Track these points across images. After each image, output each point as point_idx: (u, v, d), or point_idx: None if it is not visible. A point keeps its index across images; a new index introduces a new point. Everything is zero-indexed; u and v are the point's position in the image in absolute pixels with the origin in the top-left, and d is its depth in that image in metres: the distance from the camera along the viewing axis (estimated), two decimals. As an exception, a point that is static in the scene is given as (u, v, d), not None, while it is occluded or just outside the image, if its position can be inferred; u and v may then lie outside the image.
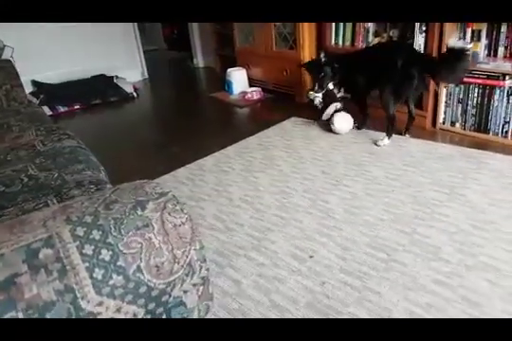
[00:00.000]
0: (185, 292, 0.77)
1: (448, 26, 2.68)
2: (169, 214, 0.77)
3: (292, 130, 3.15)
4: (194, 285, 0.79)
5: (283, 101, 3.83)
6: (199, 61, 5.64)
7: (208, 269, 0.82)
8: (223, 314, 1.50)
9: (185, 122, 3.61)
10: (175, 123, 3.63)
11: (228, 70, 4.18)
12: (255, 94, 3.94)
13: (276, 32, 3.84)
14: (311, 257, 1.77)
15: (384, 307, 1.50)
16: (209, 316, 1.45)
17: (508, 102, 2.57)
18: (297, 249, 1.82)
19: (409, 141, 2.77)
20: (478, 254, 1.70)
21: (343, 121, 2.90)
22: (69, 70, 4.47)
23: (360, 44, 3.24)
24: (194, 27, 5.40)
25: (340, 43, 3.36)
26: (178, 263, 0.76)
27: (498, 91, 2.59)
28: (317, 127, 3.14)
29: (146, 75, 5.26)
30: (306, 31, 3.56)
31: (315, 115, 3.15)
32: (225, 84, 4.22)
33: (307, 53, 3.58)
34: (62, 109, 4.05)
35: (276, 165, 2.60)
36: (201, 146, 2.96)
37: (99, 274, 0.67)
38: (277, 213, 2.09)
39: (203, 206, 2.21)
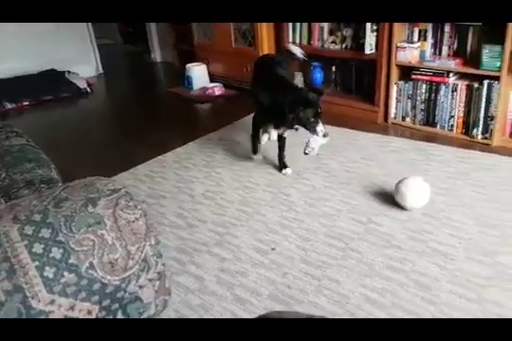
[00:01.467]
0: (141, 287, 0.78)
1: (397, 26, 2.77)
2: (121, 210, 0.77)
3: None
4: (150, 280, 0.79)
5: (245, 97, 3.82)
6: (156, 55, 5.53)
7: (164, 264, 0.83)
8: (186, 312, 1.51)
9: (143, 118, 3.54)
10: (133, 119, 3.56)
11: (188, 65, 4.13)
12: (216, 90, 3.92)
13: (235, 29, 3.83)
14: (273, 249, 1.80)
15: (342, 294, 1.55)
16: (170, 313, 1.46)
17: (453, 98, 2.70)
18: (259, 242, 1.85)
19: (362, 135, 2.85)
20: (428, 240, 1.80)
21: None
22: (18, 65, 4.25)
23: (316, 43, 3.29)
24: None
25: (298, 41, 3.40)
26: (133, 259, 0.76)
27: (443, 87, 2.71)
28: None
29: (101, 70, 5.10)
30: (264, 29, 3.57)
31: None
32: (184, 79, 4.17)
33: (266, 50, 3.60)
34: (9, 106, 3.85)
35: (238, 160, 2.61)
36: (161, 142, 2.93)
37: (49, 272, 0.66)
38: (240, 208, 2.11)
39: (163, 204, 2.19)
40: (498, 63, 2.45)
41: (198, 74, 4.09)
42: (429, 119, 2.86)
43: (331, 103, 2.90)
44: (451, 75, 2.68)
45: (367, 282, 1.60)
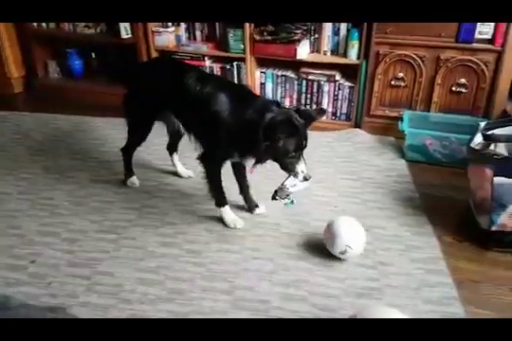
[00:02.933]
0: None
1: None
2: None
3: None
4: None
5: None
6: None
7: None
8: None
9: None
10: None
11: None
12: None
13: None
14: (32, 262, 1.58)
15: (116, 284, 1.48)
16: None
17: None
18: (14, 259, 1.59)
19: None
20: (203, 210, 1.86)
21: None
22: None
23: (67, 26, 2.97)
24: None
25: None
26: None
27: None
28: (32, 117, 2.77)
29: None
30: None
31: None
32: None
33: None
34: None
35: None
36: None
37: None
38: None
39: None
40: (241, 46, 2.69)
41: None
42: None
43: (93, 93, 2.72)
44: (207, 58, 2.82)
45: (141, 265, 1.56)
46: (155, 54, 2.87)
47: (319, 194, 1.96)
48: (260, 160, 1.56)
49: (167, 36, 2.82)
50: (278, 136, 1.45)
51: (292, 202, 1.60)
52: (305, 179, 1.52)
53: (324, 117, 2.66)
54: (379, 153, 2.33)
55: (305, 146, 1.52)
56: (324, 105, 2.64)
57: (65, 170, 2.19)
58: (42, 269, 1.55)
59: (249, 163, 1.62)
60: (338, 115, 2.65)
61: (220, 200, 1.75)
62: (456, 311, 1.38)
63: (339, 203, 1.92)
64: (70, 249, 1.64)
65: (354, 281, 1.50)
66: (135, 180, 2.04)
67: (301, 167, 1.51)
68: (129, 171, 2.05)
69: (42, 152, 2.35)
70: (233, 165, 1.76)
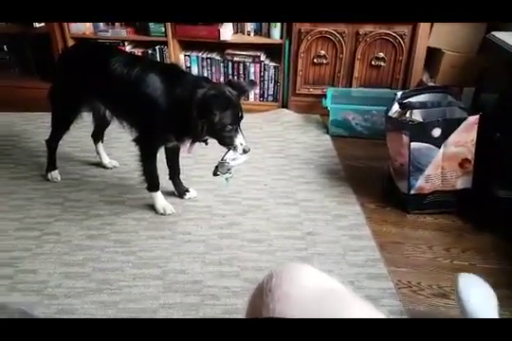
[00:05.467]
0: None
1: None
2: None
3: None
4: None
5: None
6: None
7: None
8: None
9: None
10: None
11: None
12: None
13: None
14: None
15: (40, 281, 1.42)
16: None
17: None
18: None
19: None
20: (131, 200, 1.82)
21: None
22: None
23: None
24: None
25: None
26: None
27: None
28: None
29: None
30: None
31: None
32: None
33: None
34: None
35: None
36: None
37: None
38: None
39: None
40: (162, 29, 2.61)
41: None
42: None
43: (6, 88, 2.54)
44: (127, 44, 2.72)
45: (66, 260, 1.50)
46: (71, 42, 2.72)
47: (249, 174, 1.98)
48: (197, 138, 1.52)
49: (83, 23, 2.68)
50: (213, 112, 1.42)
51: (231, 176, 1.57)
52: (245, 151, 1.50)
53: (252, 99, 2.69)
54: (306, 131, 2.39)
55: (241, 117, 1.50)
56: (251, 87, 2.65)
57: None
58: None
59: (186, 144, 1.58)
60: (266, 96, 2.68)
61: (153, 184, 1.72)
62: (380, 271, 1.46)
63: (269, 181, 1.95)
64: (-14, 251, 1.55)
65: (283, 253, 1.54)
66: (56, 174, 1.95)
67: (239, 139, 1.49)
68: (52, 165, 1.95)
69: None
70: (167, 148, 1.71)
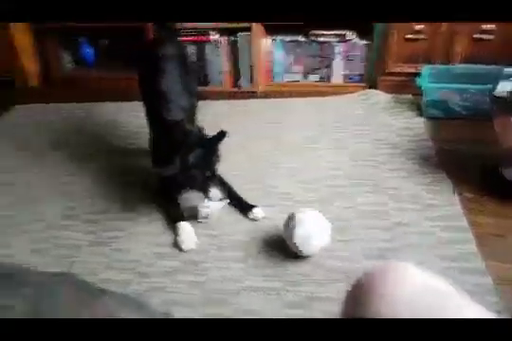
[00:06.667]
0: None
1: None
2: None
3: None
4: None
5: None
6: None
7: None
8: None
9: None
10: None
11: None
12: None
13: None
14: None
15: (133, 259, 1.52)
16: None
17: (217, 55, 2.77)
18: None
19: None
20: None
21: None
22: None
23: None
24: None
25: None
26: None
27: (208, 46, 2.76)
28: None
29: None
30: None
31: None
32: None
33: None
34: None
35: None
36: None
37: None
38: None
39: None
40: None
41: None
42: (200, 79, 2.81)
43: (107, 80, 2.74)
44: (210, 32, 2.67)
45: (158, 241, 1.59)
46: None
47: (331, 160, 1.92)
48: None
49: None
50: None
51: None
52: (220, 199, 1.53)
53: (338, 81, 2.58)
54: (395, 113, 2.23)
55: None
56: (336, 67, 2.54)
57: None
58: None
59: None
60: (352, 77, 2.55)
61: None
62: (476, 266, 1.33)
63: (352, 167, 1.87)
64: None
65: (368, 244, 1.47)
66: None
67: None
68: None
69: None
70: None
